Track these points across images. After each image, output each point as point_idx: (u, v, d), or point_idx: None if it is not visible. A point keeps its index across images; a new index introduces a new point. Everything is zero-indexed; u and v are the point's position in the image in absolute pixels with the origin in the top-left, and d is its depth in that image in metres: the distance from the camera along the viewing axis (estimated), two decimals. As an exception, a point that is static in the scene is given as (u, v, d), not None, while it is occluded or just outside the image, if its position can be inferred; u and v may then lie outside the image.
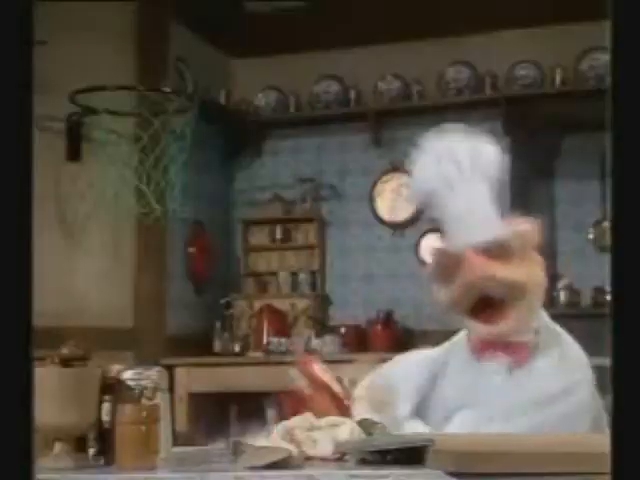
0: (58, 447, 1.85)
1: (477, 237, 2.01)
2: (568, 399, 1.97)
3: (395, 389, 2.17)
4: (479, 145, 2.17)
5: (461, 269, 1.98)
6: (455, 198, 2.08)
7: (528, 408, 1.96)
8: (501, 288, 1.98)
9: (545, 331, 2.05)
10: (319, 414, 2.02)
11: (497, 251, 2.01)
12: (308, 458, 1.88)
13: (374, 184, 6.46)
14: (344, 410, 2.14)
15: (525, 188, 6.39)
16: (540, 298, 2.04)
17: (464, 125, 2.17)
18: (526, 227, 2.09)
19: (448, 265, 2.02)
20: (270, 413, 1.95)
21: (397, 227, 6.42)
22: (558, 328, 2.09)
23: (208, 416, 5.93)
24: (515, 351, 2.00)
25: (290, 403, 2.18)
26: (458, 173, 2.11)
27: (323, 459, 1.89)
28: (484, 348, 2.05)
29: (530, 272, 2.04)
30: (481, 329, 2.04)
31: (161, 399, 1.95)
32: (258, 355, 5.90)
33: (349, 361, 5.74)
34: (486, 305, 2.02)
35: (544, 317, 2.08)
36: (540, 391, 1.99)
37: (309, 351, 5.81)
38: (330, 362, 6.01)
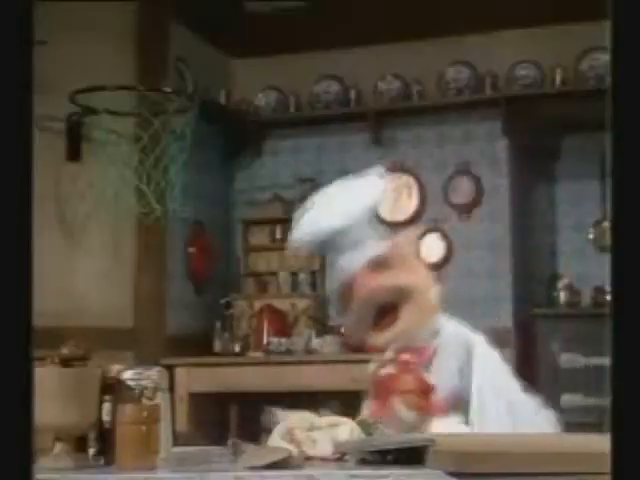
0: (58, 447, 1.85)
1: (358, 259, 2.10)
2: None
3: None
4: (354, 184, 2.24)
5: (354, 292, 2.10)
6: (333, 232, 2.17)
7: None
8: (388, 294, 2.08)
9: (447, 333, 2.11)
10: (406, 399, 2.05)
11: (380, 265, 2.11)
12: (308, 458, 1.88)
13: (374, 184, 6.46)
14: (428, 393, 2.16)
15: (525, 188, 6.40)
16: (432, 300, 2.12)
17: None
18: (400, 239, 2.18)
19: (345, 295, 2.13)
20: (272, 418, 1.94)
21: (397, 227, 6.42)
22: (467, 332, 2.15)
23: (208, 416, 5.93)
24: (417, 353, 2.07)
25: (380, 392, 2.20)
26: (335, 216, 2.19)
27: (323, 459, 1.89)
28: None
29: (414, 276, 2.14)
30: (379, 339, 2.12)
31: (161, 399, 1.95)
32: (258, 355, 5.90)
33: (349, 361, 5.75)
34: (381, 317, 2.12)
35: (446, 321, 2.14)
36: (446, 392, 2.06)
37: (309, 351, 5.82)
38: (330, 362, 5.99)
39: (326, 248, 2.23)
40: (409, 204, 6.37)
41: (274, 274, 6.57)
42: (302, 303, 6.34)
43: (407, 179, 6.40)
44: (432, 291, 2.12)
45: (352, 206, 2.19)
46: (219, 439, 2.32)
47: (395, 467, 1.68)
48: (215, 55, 6.62)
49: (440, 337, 2.10)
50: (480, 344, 2.10)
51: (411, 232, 2.20)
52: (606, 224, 6.11)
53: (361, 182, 2.26)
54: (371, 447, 1.82)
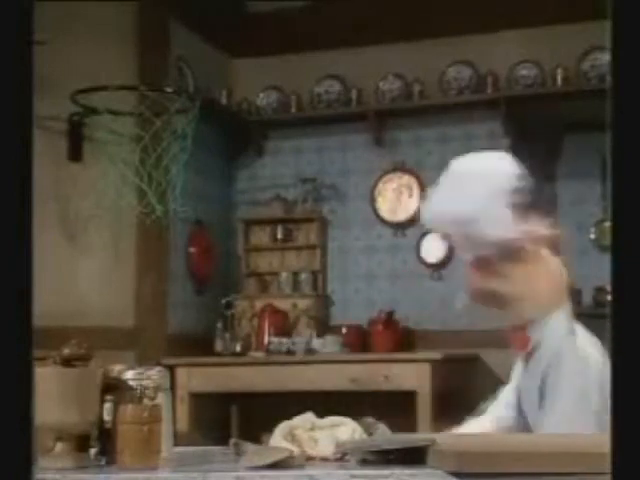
0: (59, 447, 1.85)
1: (487, 239, 2.12)
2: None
3: None
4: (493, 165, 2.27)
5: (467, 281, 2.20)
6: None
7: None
8: (488, 299, 2.14)
9: (551, 336, 2.13)
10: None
11: (492, 262, 2.13)
12: (309, 458, 1.88)
13: (375, 184, 6.46)
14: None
15: (526, 188, 6.39)
16: (540, 300, 2.13)
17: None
18: (535, 230, 2.18)
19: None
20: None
21: (398, 227, 6.42)
22: (575, 341, 2.17)
23: (209, 416, 5.93)
24: (517, 340, 2.13)
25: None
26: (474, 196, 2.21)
27: (324, 459, 1.89)
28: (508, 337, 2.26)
29: (521, 282, 2.17)
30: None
31: (162, 399, 1.96)
32: (259, 355, 5.90)
33: (350, 361, 5.75)
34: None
35: (558, 327, 2.15)
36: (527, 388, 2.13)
37: (310, 351, 5.82)
38: (331, 362, 6.00)
39: (455, 228, 2.24)
40: (410, 204, 6.36)
41: (275, 274, 6.57)
42: (303, 303, 6.34)
43: (408, 179, 6.40)
44: (541, 294, 2.12)
45: (483, 190, 2.19)
46: (220, 439, 2.32)
47: (396, 467, 1.68)
48: (216, 55, 6.62)
49: (541, 334, 2.12)
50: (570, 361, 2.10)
51: (547, 224, 2.21)
52: (607, 224, 6.10)
53: (493, 165, 2.26)
54: (372, 447, 1.82)
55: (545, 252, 2.20)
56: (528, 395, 2.24)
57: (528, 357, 2.23)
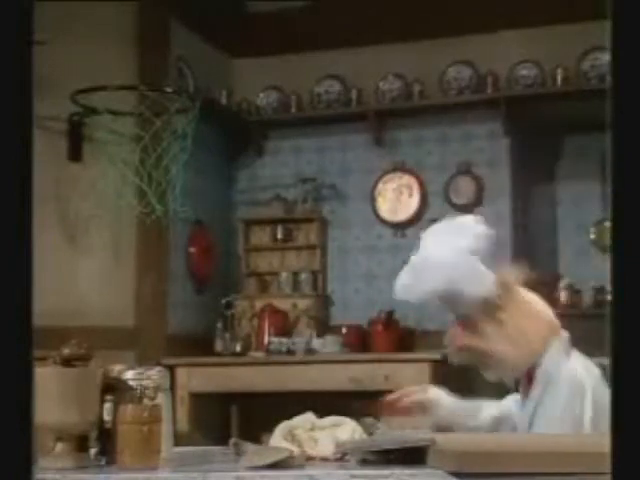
0: (59, 447, 1.85)
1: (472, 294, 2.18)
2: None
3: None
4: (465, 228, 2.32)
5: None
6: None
7: None
8: (471, 357, 2.20)
9: (547, 373, 2.16)
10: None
11: (474, 321, 2.19)
12: (309, 458, 1.88)
13: (375, 184, 6.46)
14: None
15: (526, 188, 6.39)
16: (522, 351, 2.18)
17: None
18: (508, 277, 2.23)
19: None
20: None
21: (398, 227, 6.42)
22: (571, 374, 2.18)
23: (209, 416, 5.93)
24: (528, 381, 2.18)
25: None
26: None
27: (324, 459, 1.89)
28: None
29: (497, 339, 2.21)
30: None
31: (162, 399, 1.96)
32: (259, 355, 5.90)
33: (350, 361, 5.76)
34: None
35: (552, 362, 2.18)
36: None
37: (310, 351, 5.82)
38: (331, 362, 6.00)
39: (433, 297, 2.30)
40: (410, 204, 6.36)
41: (275, 274, 6.57)
42: (303, 303, 6.34)
43: (408, 179, 6.40)
44: (518, 349, 2.15)
45: (453, 256, 2.23)
46: (220, 439, 2.32)
47: (396, 467, 1.68)
48: (216, 55, 6.61)
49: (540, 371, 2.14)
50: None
51: (513, 270, 2.25)
52: (607, 224, 6.10)
53: (459, 229, 2.31)
54: (372, 447, 1.82)
55: (524, 294, 2.23)
56: (521, 422, 2.27)
57: (528, 389, 2.26)
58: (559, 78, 6.05)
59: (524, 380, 2.27)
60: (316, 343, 5.86)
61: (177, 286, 6.00)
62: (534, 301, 2.24)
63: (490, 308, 2.17)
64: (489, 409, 2.50)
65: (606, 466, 1.17)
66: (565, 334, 2.21)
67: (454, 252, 2.22)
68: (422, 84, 6.31)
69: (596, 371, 2.19)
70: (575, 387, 2.14)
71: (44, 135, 5.18)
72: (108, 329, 5.39)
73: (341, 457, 1.89)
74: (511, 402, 2.49)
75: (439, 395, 2.49)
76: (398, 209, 6.41)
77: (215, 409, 6.10)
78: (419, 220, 6.33)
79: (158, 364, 4.09)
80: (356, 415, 2.10)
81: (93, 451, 1.91)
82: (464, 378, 5.72)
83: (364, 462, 1.82)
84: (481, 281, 2.17)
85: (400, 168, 6.41)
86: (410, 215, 6.35)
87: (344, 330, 6.02)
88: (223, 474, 1.74)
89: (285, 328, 6.15)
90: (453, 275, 2.19)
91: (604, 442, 1.21)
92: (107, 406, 1.89)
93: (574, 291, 6.09)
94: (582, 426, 2.08)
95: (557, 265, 6.37)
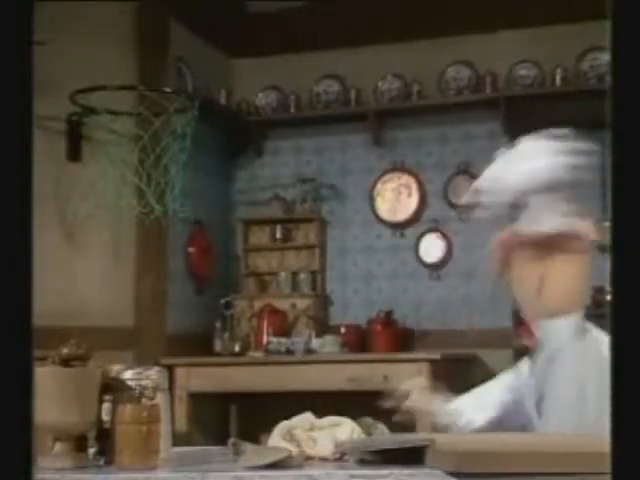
0: (58, 447, 1.85)
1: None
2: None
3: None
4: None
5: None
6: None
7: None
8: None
9: (554, 340, 2.12)
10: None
11: (526, 246, 2.13)
12: (308, 458, 1.88)
13: (374, 184, 6.46)
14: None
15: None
16: (551, 303, 2.12)
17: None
18: (579, 226, 2.17)
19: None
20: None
21: (397, 227, 6.42)
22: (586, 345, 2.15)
23: (208, 416, 5.93)
24: (527, 333, 2.16)
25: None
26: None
27: (323, 459, 1.89)
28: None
29: (538, 279, 2.15)
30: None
31: (161, 399, 1.95)
32: (258, 355, 5.89)
33: (349, 361, 5.75)
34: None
35: (563, 332, 2.14)
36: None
37: (309, 351, 5.81)
38: (330, 362, 5.99)
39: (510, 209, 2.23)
40: (409, 204, 6.36)
41: (274, 274, 6.57)
42: (302, 303, 6.34)
43: (407, 179, 6.40)
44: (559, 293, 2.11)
45: (544, 167, 2.17)
46: (219, 439, 2.32)
47: (395, 467, 1.68)
48: (215, 55, 6.61)
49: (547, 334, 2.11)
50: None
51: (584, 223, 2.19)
52: (606, 224, 6.09)
53: (556, 145, 2.25)
54: (371, 447, 1.82)
55: (580, 249, 2.16)
56: (530, 394, 2.24)
57: (533, 356, 2.23)
58: (558, 78, 6.05)
59: (532, 341, 2.24)
60: (315, 343, 5.86)
61: (176, 286, 6.00)
62: (581, 263, 2.18)
63: (545, 244, 2.12)
64: (486, 411, 2.46)
65: (606, 466, 1.17)
66: (584, 308, 2.17)
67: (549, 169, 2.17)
68: (421, 84, 6.31)
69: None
70: (579, 371, 2.12)
71: (43, 135, 5.18)
72: (107, 329, 5.38)
73: (340, 457, 1.89)
74: (515, 380, 2.44)
75: (428, 403, 2.47)
76: (397, 209, 6.41)
77: (214, 409, 6.10)
78: (418, 220, 6.33)
79: (157, 364, 4.09)
80: (355, 415, 2.10)
81: (92, 451, 1.91)
82: (463, 377, 5.73)
83: (363, 462, 1.82)
84: (555, 213, 2.13)
85: (399, 168, 6.41)
86: (409, 215, 6.35)
87: (343, 330, 6.02)
88: (222, 474, 1.73)
89: (284, 328, 6.15)
90: (536, 188, 2.14)
91: (604, 442, 1.21)
92: (106, 406, 1.89)
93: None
94: (585, 408, 2.06)
95: (556, 265, 6.37)
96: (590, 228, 2.20)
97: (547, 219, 2.13)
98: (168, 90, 5.37)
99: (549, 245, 2.12)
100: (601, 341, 2.12)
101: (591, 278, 2.16)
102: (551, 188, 2.14)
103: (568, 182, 2.19)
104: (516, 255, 2.14)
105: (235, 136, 6.68)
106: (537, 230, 2.11)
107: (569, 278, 2.16)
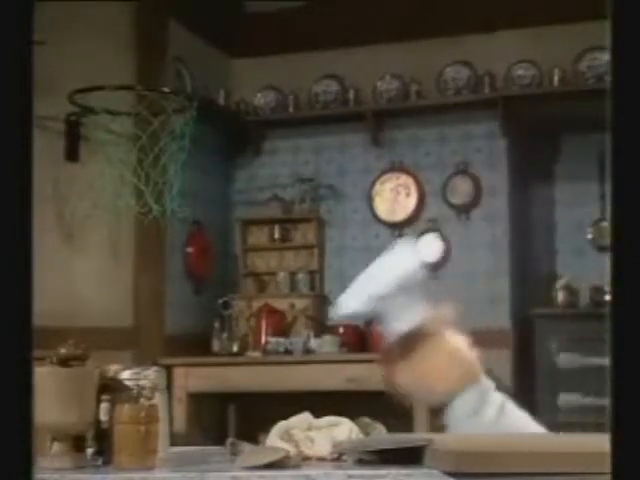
0: (56, 447, 1.84)
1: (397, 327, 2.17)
2: None
3: None
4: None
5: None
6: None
7: None
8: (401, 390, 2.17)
9: (454, 418, 2.11)
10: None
11: (396, 354, 2.17)
12: (306, 458, 1.88)
13: (373, 184, 6.46)
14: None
15: (524, 188, 6.40)
16: (440, 387, 2.11)
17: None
18: (435, 313, 2.21)
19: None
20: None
21: (396, 227, 6.42)
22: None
23: (206, 416, 5.93)
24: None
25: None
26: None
27: (321, 459, 1.89)
28: None
29: (420, 371, 2.16)
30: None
31: (159, 399, 1.95)
32: (257, 355, 5.90)
33: (347, 361, 5.75)
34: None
35: (461, 409, 2.10)
36: None
37: (308, 351, 5.82)
38: (328, 362, 5.99)
39: (371, 316, 2.27)
40: (408, 204, 6.36)
41: (273, 274, 6.57)
42: (301, 303, 6.34)
43: (406, 179, 6.40)
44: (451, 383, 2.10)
45: (388, 279, 2.22)
46: (217, 439, 2.32)
47: (393, 467, 1.68)
48: (214, 55, 6.61)
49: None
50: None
51: (443, 307, 2.21)
52: (605, 224, 6.11)
53: (393, 257, 2.29)
54: (369, 447, 1.82)
55: (448, 334, 2.17)
56: None
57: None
58: (556, 78, 6.05)
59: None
60: (313, 343, 5.86)
61: (175, 286, 6.00)
62: (457, 344, 2.17)
63: (412, 342, 2.13)
64: None
65: (606, 466, 1.17)
66: (487, 383, 2.13)
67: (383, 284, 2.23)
68: (420, 84, 6.31)
69: (515, 423, 2.10)
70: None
71: (42, 135, 5.18)
72: (106, 329, 5.38)
73: (338, 457, 1.88)
74: None
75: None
76: (396, 209, 6.41)
77: (212, 409, 6.10)
78: (417, 220, 6.34)
79: (155, 364, 4.09)
80: (353, 415, 2.10)
81: (90, 451, 1.90)
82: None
83: (361, 462, 1.82)
84: (408, 315, 2.17)
85: (398, 168, 6.42)
86: (408, 215, 6.36)
87: (341, 330, 6.02)
88: (220, 474, 1.73)
89: (283, 328, 6.15)
90: (378, 306, 2.20)
91: (604, 442, 1.21)
92: (104, 406, 1.89)
93: (571, 291, 6.09)
94: None
95: (555, 265, 6.38)
96: (441, 317, 2.25)
97: (402, 319, 2.19)
98: (167, 90, 5.37)
99: (411, 342, 2.16)
100: (506, 411, 2.07)
101: (472, 355, 2.14)
102: (402, 290, 2.20)
103: (415, 281, 2.25)
104: (393, 360, 2.17)
105: (234, 136, 6.69)
106: (396, 331, 2.16)
107: (442, 366, 2.16)
